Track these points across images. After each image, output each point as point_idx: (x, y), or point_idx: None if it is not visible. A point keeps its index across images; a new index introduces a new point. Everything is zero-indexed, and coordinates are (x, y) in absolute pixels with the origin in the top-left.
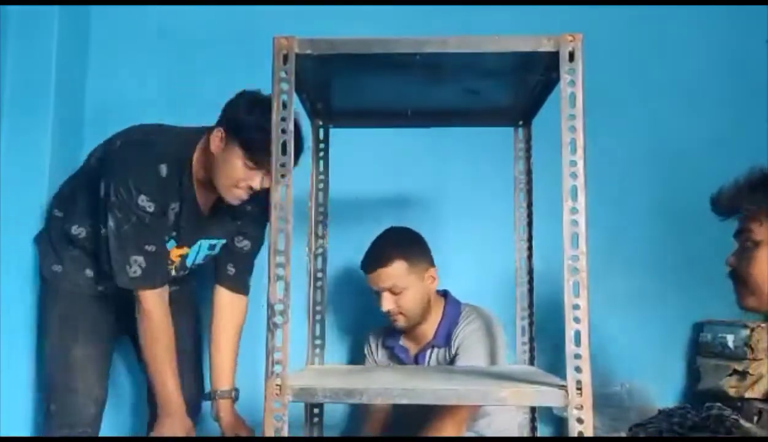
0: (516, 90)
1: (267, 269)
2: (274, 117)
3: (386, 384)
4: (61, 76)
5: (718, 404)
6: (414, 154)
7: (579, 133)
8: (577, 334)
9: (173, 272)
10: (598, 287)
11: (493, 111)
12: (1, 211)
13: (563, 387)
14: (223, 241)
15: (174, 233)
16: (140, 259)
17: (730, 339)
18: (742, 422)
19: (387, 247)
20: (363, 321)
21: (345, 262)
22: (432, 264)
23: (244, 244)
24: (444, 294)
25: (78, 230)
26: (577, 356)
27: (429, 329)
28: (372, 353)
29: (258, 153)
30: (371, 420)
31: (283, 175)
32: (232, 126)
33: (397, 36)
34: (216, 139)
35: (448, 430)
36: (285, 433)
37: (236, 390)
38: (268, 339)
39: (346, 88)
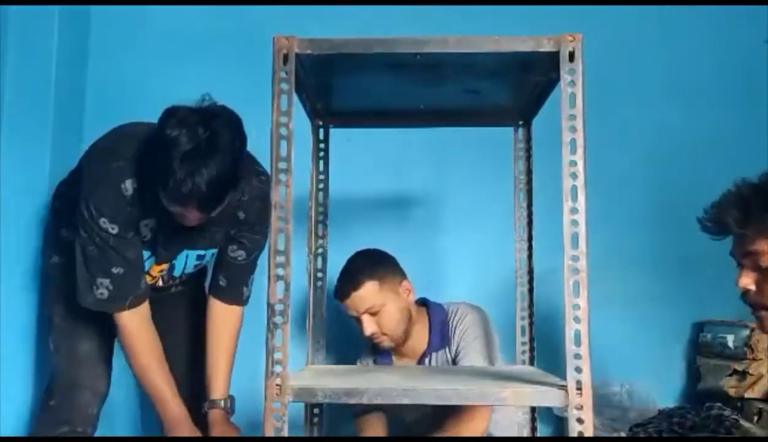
0: (516, 90)
1: (267, 269)
2: (274, 117)
3: (386, 384)
4: (61, 76)
5: (718, 404)
6: (414, 154)
7: (579, 133)
8: (577, 334)
9: (160, 282)
10: (598, 287)
11: (493, 111)
12: (1, 211)
13: (563, 387)
14: (213, 250)
15: (152, 249)
16: (107, 282)
17: (730, 339)
18: (742, 422)
19: (355, 270)
20: None
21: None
22: (404, 277)
23: (239, 254)
24: (424, 303)
25: (67, 233)
26: (577, 356)
27: (420, 341)
28: None
29: (173, 197)
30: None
31: (283, 175)
32: (153, 147)
33: (397, 36)
34: None
35: (476, 427)
36: (285, 433)
37: (231, 400)
38: (268, 339)
39: (346, 88)
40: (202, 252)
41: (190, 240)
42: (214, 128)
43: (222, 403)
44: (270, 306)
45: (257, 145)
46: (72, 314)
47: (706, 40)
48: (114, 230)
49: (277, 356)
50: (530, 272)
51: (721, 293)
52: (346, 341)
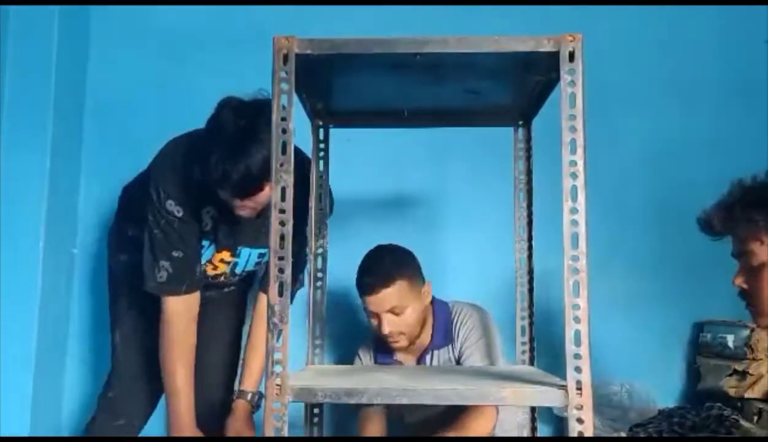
0: (516, 90)
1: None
2: (275, 117)
3: (386, 384)
4: (61, 76)
5: (718, 404)
6: (414, 155)
7: (579, 133)
8: (577, 334)
9: (222, 278)
10: (598, 287)
11: (493, 111)
12: (2, 210)
13: (563, 387)
14: None
15: (212, 237)
16: (167, 264)
17: (730, 339)
18: (742, 422)
19: (387, 266)
20: (363, 322)
21: (345, 262)
22: (425, 280)
23: None
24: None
25: (133, 233)
26: (577, 356)
27: (423, 337)
28: None
29: (209, 181)
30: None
31: (283, 176)
32: (205, 133)
33: (397, 36)
34: None
35: (482, 426)
36: (285, 433)
37: (259, 395)
38: (268, 339)
39: (346, 88)
40: (263, 251)
41: (251, 237)
42: (255, 119)
43: (248, 396)
44: (270, 306)
45: None
46: (139, 309)
47: (706, 40)
48: (179, 212)
49: (277, 356)
50: (530, 272)
51: (721, 293)
52: (345, 340)
